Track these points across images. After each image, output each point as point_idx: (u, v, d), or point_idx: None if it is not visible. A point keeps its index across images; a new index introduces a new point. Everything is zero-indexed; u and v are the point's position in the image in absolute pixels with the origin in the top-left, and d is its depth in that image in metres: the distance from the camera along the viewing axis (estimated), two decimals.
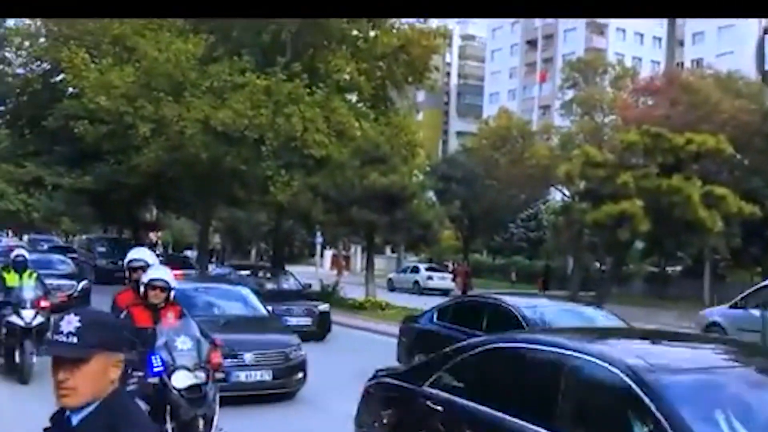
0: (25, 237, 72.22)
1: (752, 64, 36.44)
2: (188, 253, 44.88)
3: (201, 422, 5.99)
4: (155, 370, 5.77)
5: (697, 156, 19.96)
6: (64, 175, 31.07)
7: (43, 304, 10.74)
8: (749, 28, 46.38)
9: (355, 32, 26.46)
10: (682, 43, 58.34)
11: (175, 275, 7.21)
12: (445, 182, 42.48)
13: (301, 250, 62.26)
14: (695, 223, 18.44)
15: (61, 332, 2.20)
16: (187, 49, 22.75)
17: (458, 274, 40.65)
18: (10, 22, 29.27)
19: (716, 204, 19.10)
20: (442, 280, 38.53)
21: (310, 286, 20.52)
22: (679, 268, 40.27)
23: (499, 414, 4.39)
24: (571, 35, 70.87)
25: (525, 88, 77.17)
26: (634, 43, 71.28)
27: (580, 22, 68.15)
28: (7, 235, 65.02)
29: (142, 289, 6.41)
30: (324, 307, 16.74)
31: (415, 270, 39.37)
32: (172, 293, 6.43)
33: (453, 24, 44.92)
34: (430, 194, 31.93)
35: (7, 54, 30.92)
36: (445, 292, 35.96)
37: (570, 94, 47.13)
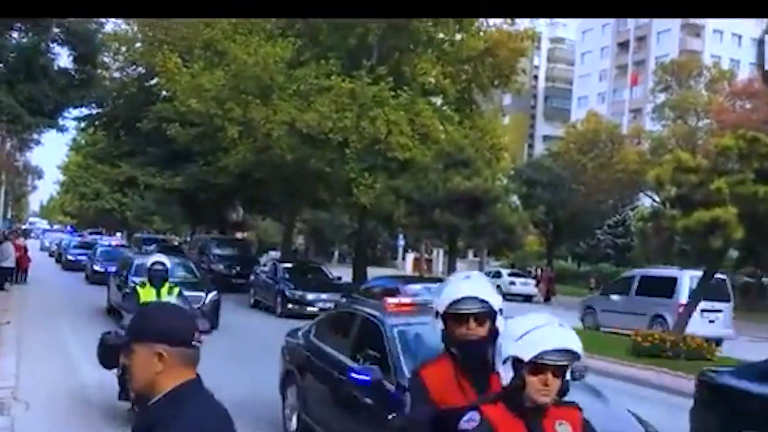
0: (117, 235, 74.79)
1: None
2: (272, 253, 45.61)
3: None
4: None
5: None
6: (156, 176, 32.13)
7: None
8: None
9: (441, 35, 26.39)
10: None
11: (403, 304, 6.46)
12: (529, 186, 41.91)
13: (383, 252, 62.57)
14: None
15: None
16: (275, 53, 23.16)
17: (542, 280, 40.04)
18: (108, 28, 30.48)
19: None
20: (525, 286, 37.99)
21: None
22: None
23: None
24: (665, 37, 68.79)
25: (615, 91, 75.39)
26: (732, 44, 68.60)
27: (675, 24, 66.11)
28: (102, 234, 66.79)
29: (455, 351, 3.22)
30: None
31: (498, 275, 38.91)
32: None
33: (542, 26, 44.23)
34: (514, 198, 31.51)
35: (105, 59, 32.14)
36: (527, 297, 35.48)
37: (662, 97, 45.81)
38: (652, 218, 18.28)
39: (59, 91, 25.19)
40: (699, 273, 18.37)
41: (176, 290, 8.53)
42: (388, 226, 33.75)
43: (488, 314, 3.18)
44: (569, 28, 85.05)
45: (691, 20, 63.54)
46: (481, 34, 26.59)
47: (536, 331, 2.61)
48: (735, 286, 37.62)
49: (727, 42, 68.94)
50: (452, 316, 3.18)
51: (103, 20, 27.87)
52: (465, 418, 2.65)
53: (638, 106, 66.31)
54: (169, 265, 8.70)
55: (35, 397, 9.26)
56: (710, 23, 66.56)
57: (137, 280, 12.21)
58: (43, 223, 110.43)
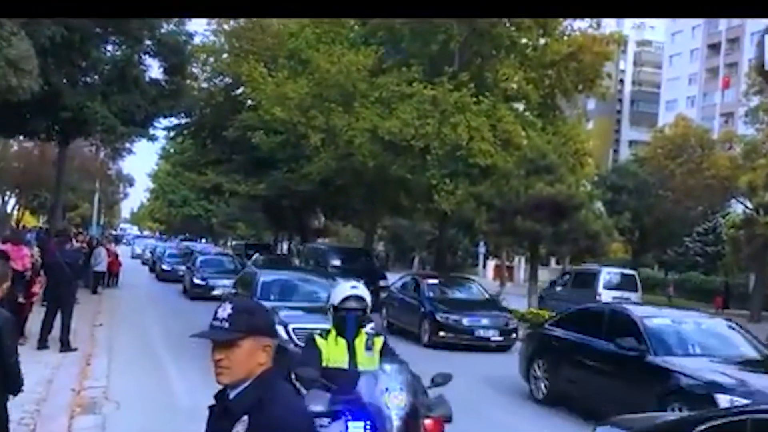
0: (202, 240, 76.27)
1: None
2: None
3: None
4: None
5: None
6: (241, 183, 32.83)
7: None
8: None
9: (524, 40, 26.08)
10: None
11: None
12: (614, 193, 40.98)
13: (463, 259, 62.22)
14: None
15: (217, 318, 2.44)
16: (357, 61, 23.35)
17: None
18: (197, 40, 31.36)
19: None
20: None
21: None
22: None
23: None
24: (759, 38, 66.20)
25: (705, 95, 72.96)
26: None
27: None
28: (196, 239, 66.75)
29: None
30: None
31: None
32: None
33: (628, 29, 43.22)
34: (599, 205, 30.83)
35: (193, 69, 33.07)
36: None
37: (756, 100, 44.00)
38: (744, 225, 17.67)
39: (150, 101, 26.11)
40: (616, 270, 28.96)
41: (379, 342, 5.28)
42: (468, 232, 33.62)
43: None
44: (657, 30, 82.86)
45: None
46: (565, 38, 26.13)
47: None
48: None
49: None
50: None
51: (192, 32, 28.76)
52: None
53: (730, 110, 63.97)
54: (368, 301, 5.34)
55: (125, 397, 9.58)
56: None
57: (267, 304, 11.09)
58: (134, 230, 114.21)
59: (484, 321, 16.71)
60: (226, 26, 33.60)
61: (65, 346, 12.30)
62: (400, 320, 18.70)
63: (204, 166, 36.58)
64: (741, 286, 42.25)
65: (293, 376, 4.47)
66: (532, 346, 11.87)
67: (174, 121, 34.71)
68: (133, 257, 51.66)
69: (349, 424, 4.06)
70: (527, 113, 26.40)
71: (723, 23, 70.00)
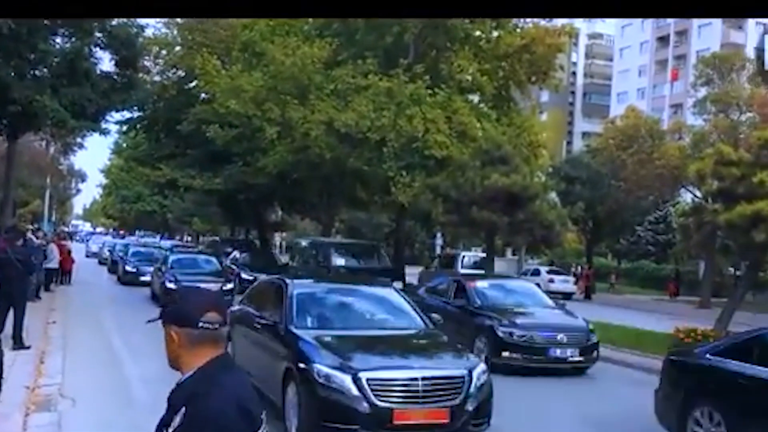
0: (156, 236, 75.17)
1: None
2: None
3: None
4: None
5: None
6: (196, 177, 32.46)
7: None
8: None
9: (477, 33, 26.31)
10: None
11: None
12: (568, 183, 41.49)
13: (421, 251, 62.47)
14: None
15: None
16: (312, 53, 23.32)
17: (582, 277, 39.74)
18: (149, 32, 30.89)
19: None
20: (564, 284, 37.72)
21: None
22: None
23: None
24: (706, 30, 67.60)
25: (655, 86, 74.34)
26: None
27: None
28: (156, 235, 64.44)
29: None
30: None
31: (536, 273, 38.62)
32: None
33: (579, 22, 43.74)
34: (553, 195, 31.25)
35: (146, 62, 32.58)
36: (567, 295, 35.15)
37: (704, 91, 44.98)
38: (693, 213, 18.03)
39: (102, 94, 25.63)
40: (476, 253, 35.56)
41: None
42: (426, 224, 33.77)
43: None
44: (608, 23, 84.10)
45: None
46: (518, 30, 26.46)
47: None
48: None
49: None
50: None
51: (144, 24, 28.29)
52: None
53: (679, 101, 65.30)
54: None
55: (81, 393, 9.47)
56: None
57: (307, 335, 8.09)
58: (87, 226, 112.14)
59: (561, 337, 12.77)
60: (178, 19, 33.17)
61: (18, 343, 12.09)
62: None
63: (158, 160, 36.08)
64: (691, 273, 43.23)
65: None
66: (686, 383, 8.15)
67: (126, 114, 34.19)
68: (88, 256, 47.54)
69: None
70: (482, 105, 26.67)
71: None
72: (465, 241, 46.53)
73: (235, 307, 10.88)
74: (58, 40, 25.89)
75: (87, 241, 62.53)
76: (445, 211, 22.15)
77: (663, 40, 74.28)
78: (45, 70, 25.06)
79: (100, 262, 41.85)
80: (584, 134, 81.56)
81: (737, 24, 67.02)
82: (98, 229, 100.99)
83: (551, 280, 37.04)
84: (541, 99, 55.46)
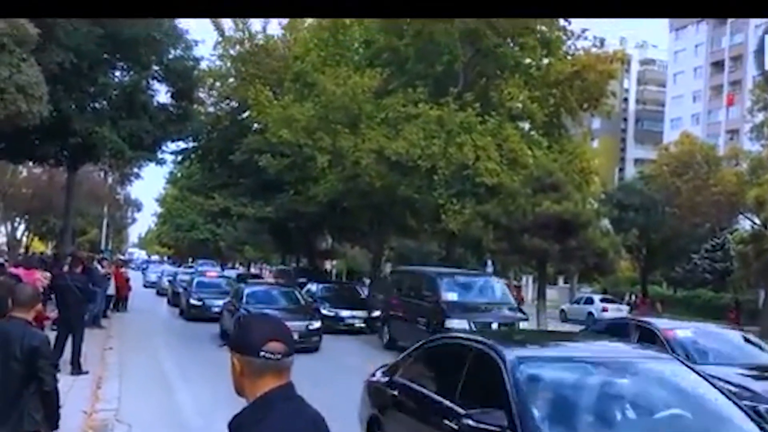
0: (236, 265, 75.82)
1: None
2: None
3: None
4: None
5: None
6: (248, 206, 32.95)
7: None
8: None
9: (528, 60, 26.25)
10: None
11: None
12: (621, 210, 40.95)
13: None
14: None
15: None
16: (363, 83, 23.53)
17: (639, 306, 39.04)
18: (203, 65, 31.63)
19: None
20: (618, 312, 37.03)
21: None
22: None
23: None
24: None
25: (710, 112, 73.11)
26: None
27: None
28: (218, 264, 61.67)
29: None
30: None
31: (590, 301, 38.10)
32: None
33: (631, 48, 43.44)
34: (606, 222, 30.84)
35: (200, 94, 33.36)
36: None
37: (761, 117, 44.07)
38: (752, 240, 17.59)
39: (158, 126, 26.33)
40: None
41: None
42: (476, 252, 33.52)
43: None
44: (660, 49, 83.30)
45: None
46: (569, 57, 26.31)
47: None
48: None
49: None
50: None
51: (199, 57, 29.00)
52: None
53: (735, 126, 64.07)
54: None
55: (137, 419, 9.61)
56: None
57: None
58: (142, 254, 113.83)
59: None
60: (232, 51, 33.91)
61: (76, 368, 12.35)
62: None
63: (211, 189, 36.74)
64: (750, 302, 42.09)
65: None
66: None
67: (181, 145, 35.04)
68: (146, 286, 43.38)
69: None
70: (533, 132, 26.51)
71: (726, 41, 70.32)
72: (516, 269, 46.08)
73: (377, 376, 7.51)
74: (117, 73, 26.72)
75: (144, 269, 58.88)
76: (496, 239, 22.00)
77: (717, 65, 73.16)
78: (104, 102, 25.87)
79: (158, 293, 38.83)
80: (636, 161, 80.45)
81: None
82: (153, 257, 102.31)
83: (604, 309, 36.46)
84: (593, 126, 54.91)
